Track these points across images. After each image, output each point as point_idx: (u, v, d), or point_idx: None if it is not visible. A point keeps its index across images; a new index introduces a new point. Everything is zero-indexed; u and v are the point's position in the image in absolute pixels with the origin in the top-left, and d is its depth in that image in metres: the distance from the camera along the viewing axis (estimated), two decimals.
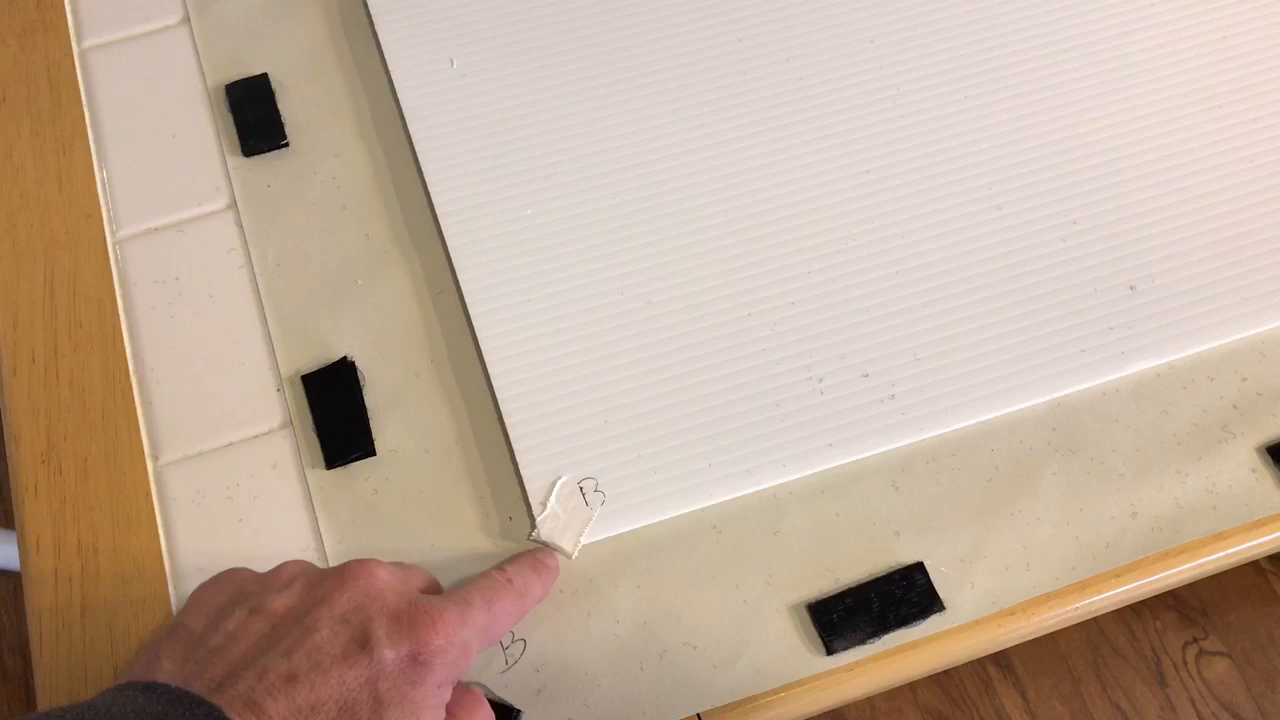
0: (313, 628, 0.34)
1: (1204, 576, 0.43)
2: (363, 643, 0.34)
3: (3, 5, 0.54)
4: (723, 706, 0.39)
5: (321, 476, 0.43)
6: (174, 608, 0.41)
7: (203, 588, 0.38)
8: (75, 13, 0.54)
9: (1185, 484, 0.44)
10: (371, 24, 0.54)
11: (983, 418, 0.45)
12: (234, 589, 0.37)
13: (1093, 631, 1.12)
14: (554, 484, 0.43)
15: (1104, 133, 0.51)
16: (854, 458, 0.44)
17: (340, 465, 0.43)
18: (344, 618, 0.34)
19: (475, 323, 0.46)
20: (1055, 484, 0.44)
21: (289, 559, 0.41)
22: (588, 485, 0.43)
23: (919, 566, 0.42)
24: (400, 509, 0.43)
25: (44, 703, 0.39)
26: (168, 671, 0.33)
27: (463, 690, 0.37)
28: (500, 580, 0.39)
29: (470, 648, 0.36)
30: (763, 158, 0.50)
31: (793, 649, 0.40)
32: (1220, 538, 0.43)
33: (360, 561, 0.37)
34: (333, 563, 0.42)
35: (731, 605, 0.41)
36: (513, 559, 0.41)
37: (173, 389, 0.45)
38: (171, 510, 0.43)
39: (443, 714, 0.35)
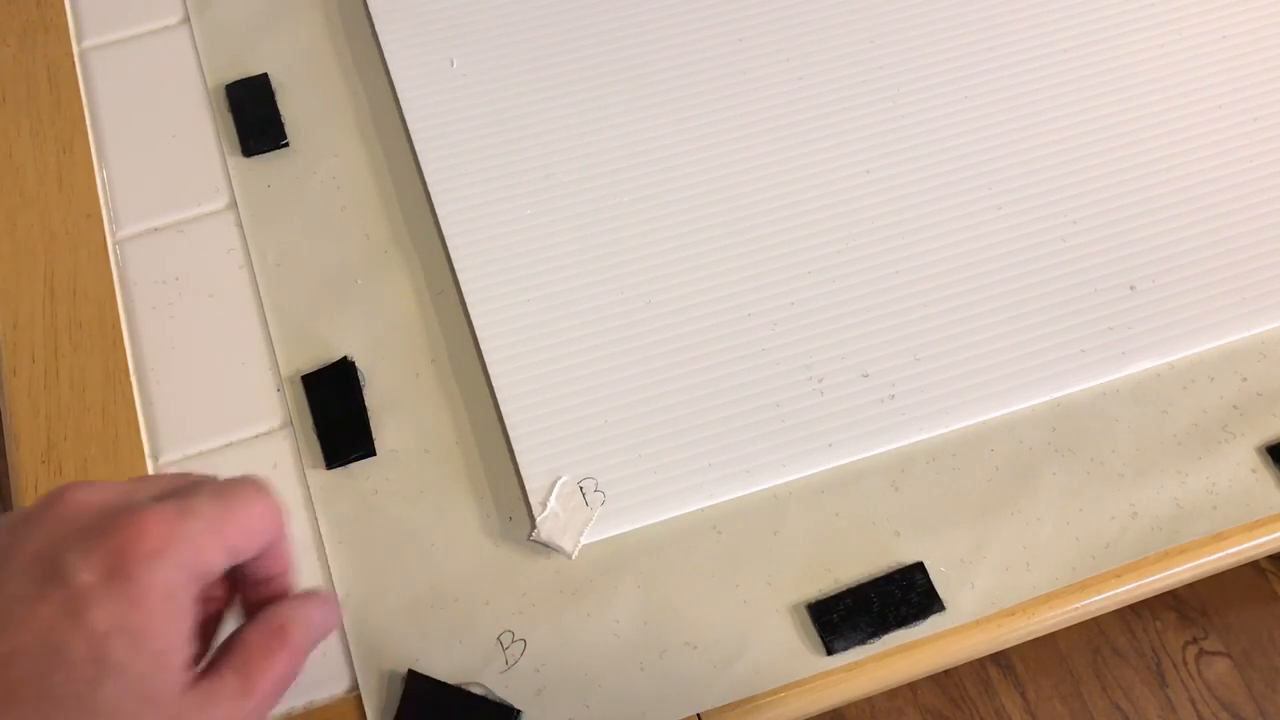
0: (6, 576, 0.29)
1: (1204, 576, 0.43)
2: (54, 574, 0.28)
3: (3, 5, 0.54)
4: (723, 706, 0.39)
5: (321, 476, 0.43)
6: None
7: None
8: (75, 13, 0.54)
9: (1185, 484, 0.44)
10: (371, 24, 0.54)
11: (983, 418, 0.45)
12: None
13: (1093, 631, 1.12)
14: (554, 484, 0.43)
15: (1104, 133, 0.51)
16: (854, 458, 0.44)
17: (340, 465, 0.43)
18: (36, 557, 0.29)
19: (475, 323, 0.46)
20: (1055, 484, 0.44)
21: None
22: (588, 485, 0.43)
23: (919, 566, 0.42)
24: (400, 509, 0.43)
25: None
26: None
27: (273, 620, 0.31)
28: (238, 480, 0.32)
29: (203, 549, 0.29)
30: (763, 158, 0.50)
31: (793, 649, 0.40)
32: (1220, 538, 0.43)
33: (59, 489, 0.31)
34: (333, 563, 0.42)
35: (731, 605, 0.41)
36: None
37: (173, 389, 0.45)
38: None
39: (185, 626, 0.29)
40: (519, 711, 0.39)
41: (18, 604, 0.28)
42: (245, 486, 0.31)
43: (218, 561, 0.30)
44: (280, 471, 0.43)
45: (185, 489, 0.31)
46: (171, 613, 0.29)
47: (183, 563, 0.29)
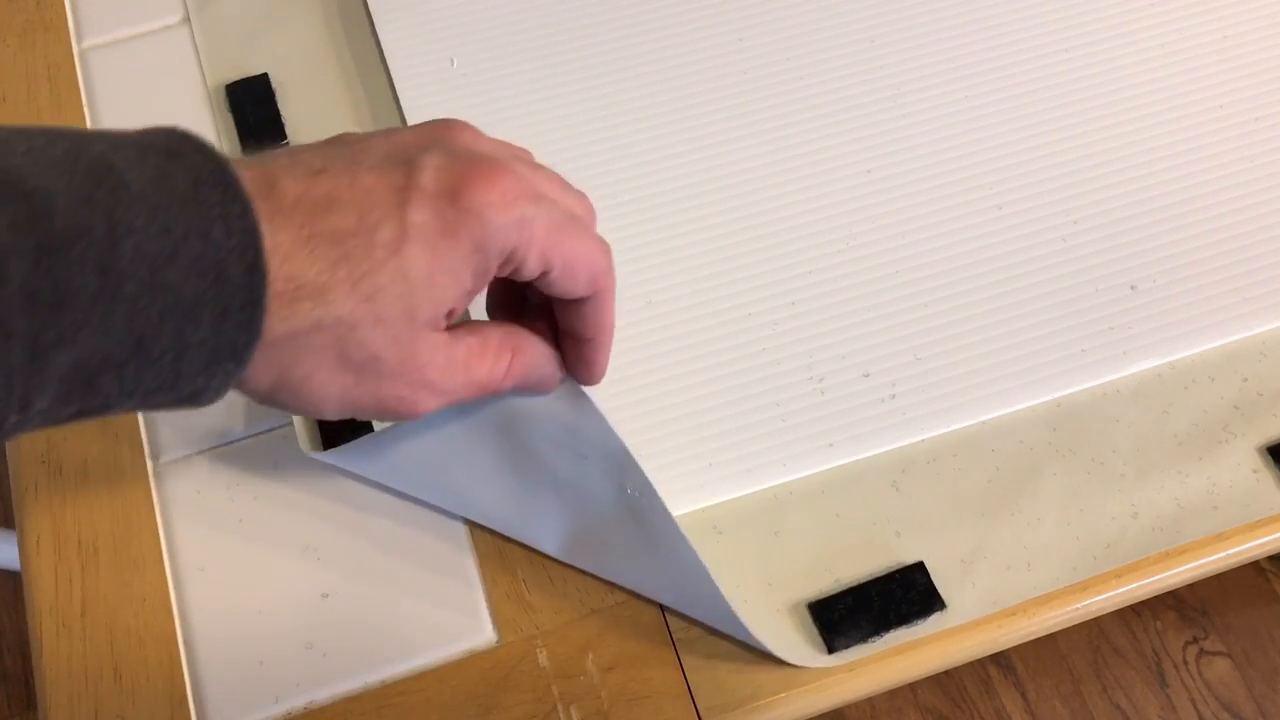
0: (366, 149, 0.31)
1: (1204, 577, 0.43)
2: (405, 163, 0.30)
3: (3, 5, 0.54)
4: (723, 706, 0.39)
5: None
6: (174, 607, 0.41)
7: None
8: (75, 13, 0.54)
9: (1186, 484, 0.44)
10: (371, 24, 0.54)
11: (983, 418, 0.45)
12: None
13: (1093, 631, 1.12)
14: None
15: (1105, 132, 0.51)
16: (854, 458, 0.44)
17: None
18: (400, 147, 0.31)
19: None
20: (1056, 484, 0.44)
21: (290, 555, 0.41)
22: None
23: (919, 566, 0.42)
24: None
25: (44, 703, 0.39)
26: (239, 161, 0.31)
27: (517, 329, 0.34)
28: (598, 244, 0.34)
29: (529, 240, 0.31)
30: (763, 157, 0.50)
31: (793, 648, 0.40)
32: (1221, 538, 0.43)
33: (459, 121, 0.33)
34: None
35: (732, 605, 0.41)
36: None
37: None
38: (171, 510, 0.43)
39: (465, 289, 0.31)
40: None
41: (362, 166, 0.30)
42: (591, 234, 0.33)
43: (530, 261, 0.31)
44: (280, 471, 0.43)
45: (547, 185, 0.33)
46: (467, 265, 0.30)
47: (504, 231, 0.30)
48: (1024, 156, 0.50)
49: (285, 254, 0.28)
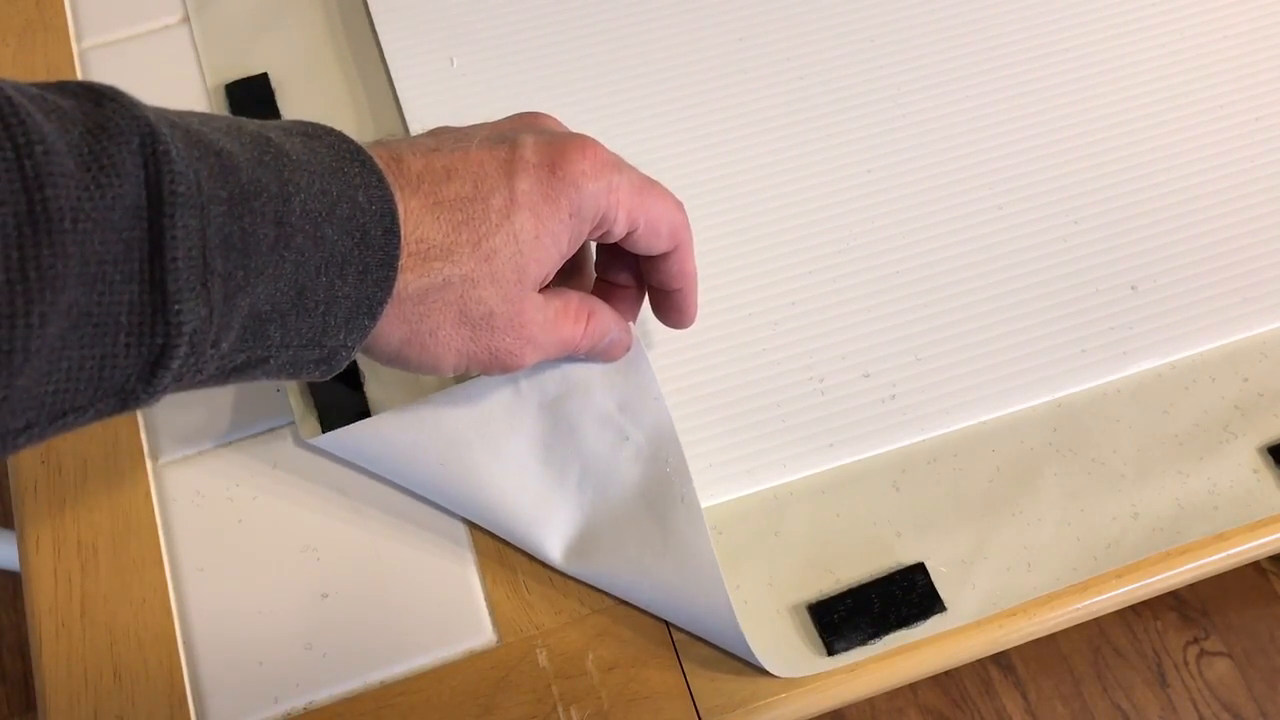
0: (470, 133, 0.35)
1: (1205, 577, 0.43)
2: (507, 141, 0.35)
3: (3, 5, 0.54)
4: (723, 706, 0.39)
5: None
6: (173, 607, 0.41)
7: None
8: (75, 13, 0.54)
9: (1186, 484, 0.44)
10: (371, 24, 0.54)
11: (984, 418, 0.45)
12: None
13: (1094, 632, 1.12)
14: None
15: (1105, 132, 0.51)
16: (855, 458, 0.44)
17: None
18: (499, 130, 0.36)
19: None
20: (1056, 484, 0.43)
21: (290, 555, 0.41)
22: None
23: (920, 567, 0.42)
24: None
25: (44, 703, 0.39)
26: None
27: (591, 296, 0.38)
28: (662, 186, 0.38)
29: (618, 202, 0.35)
30: (763, 157, 0.50)
31: (793, 649, 0.40)
32: (1221, 538, 0.43)
33: (543, 112, 0.38)
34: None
35: (733, 607, 0.41)
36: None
37: None
38: (171, 510, 0.43)
39: (561, 251, 0.35)
40: None
41: (472, 144, 0.34)
42: (667, 193, 0.37)
43: (619, 222, 0.36)
44: (280, 471, 0.43)
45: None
46: (566, 228, 0.34)
47: (596, 196, 0.34)
48: (1024, 156, 0.50)
49: (416, 219, 0.32)
